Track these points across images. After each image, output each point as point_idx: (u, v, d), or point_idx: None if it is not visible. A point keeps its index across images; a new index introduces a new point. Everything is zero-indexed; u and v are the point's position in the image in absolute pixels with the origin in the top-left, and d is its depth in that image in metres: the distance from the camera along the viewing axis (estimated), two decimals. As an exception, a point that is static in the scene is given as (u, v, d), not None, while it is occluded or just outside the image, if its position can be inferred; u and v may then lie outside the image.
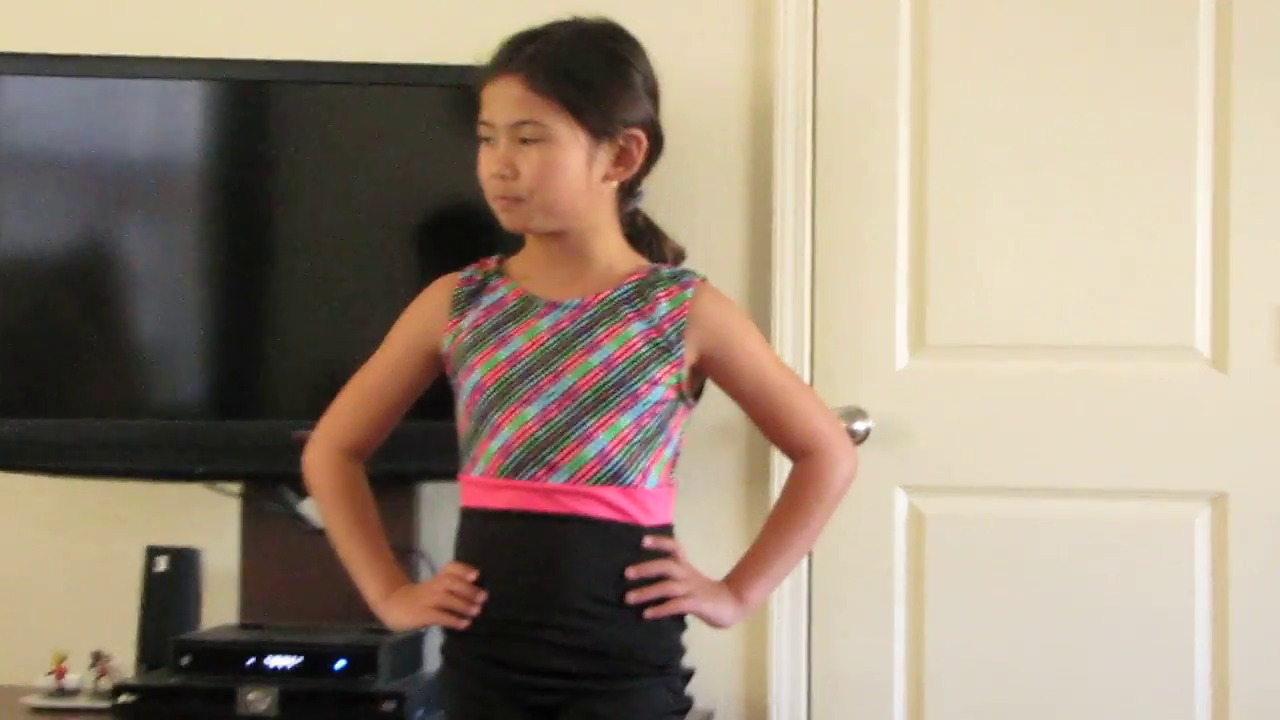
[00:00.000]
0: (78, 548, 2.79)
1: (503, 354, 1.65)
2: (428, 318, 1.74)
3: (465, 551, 1.68)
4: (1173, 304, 2.49)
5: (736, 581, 1.72)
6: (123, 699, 2.30)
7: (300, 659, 2.32)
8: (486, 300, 1.71)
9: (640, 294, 1.67)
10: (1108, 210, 2.53)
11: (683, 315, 1.66)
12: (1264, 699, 2.51)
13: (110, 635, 2.52)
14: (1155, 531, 2.49)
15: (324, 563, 2.27)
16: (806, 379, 2.49)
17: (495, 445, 1.62)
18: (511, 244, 1.81)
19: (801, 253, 2.54)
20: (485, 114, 1.64)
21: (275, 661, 2.32)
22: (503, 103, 1.63)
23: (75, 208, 2.60)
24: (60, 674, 2.45)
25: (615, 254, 1.71)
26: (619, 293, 1.67)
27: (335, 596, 2.37)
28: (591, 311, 1.66)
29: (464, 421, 1.69)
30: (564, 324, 1.64)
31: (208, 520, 2.63)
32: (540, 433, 1.60)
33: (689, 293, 1.66)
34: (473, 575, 1.61)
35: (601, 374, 1.63)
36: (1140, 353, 2.52)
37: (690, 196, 2.51)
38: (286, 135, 2.71)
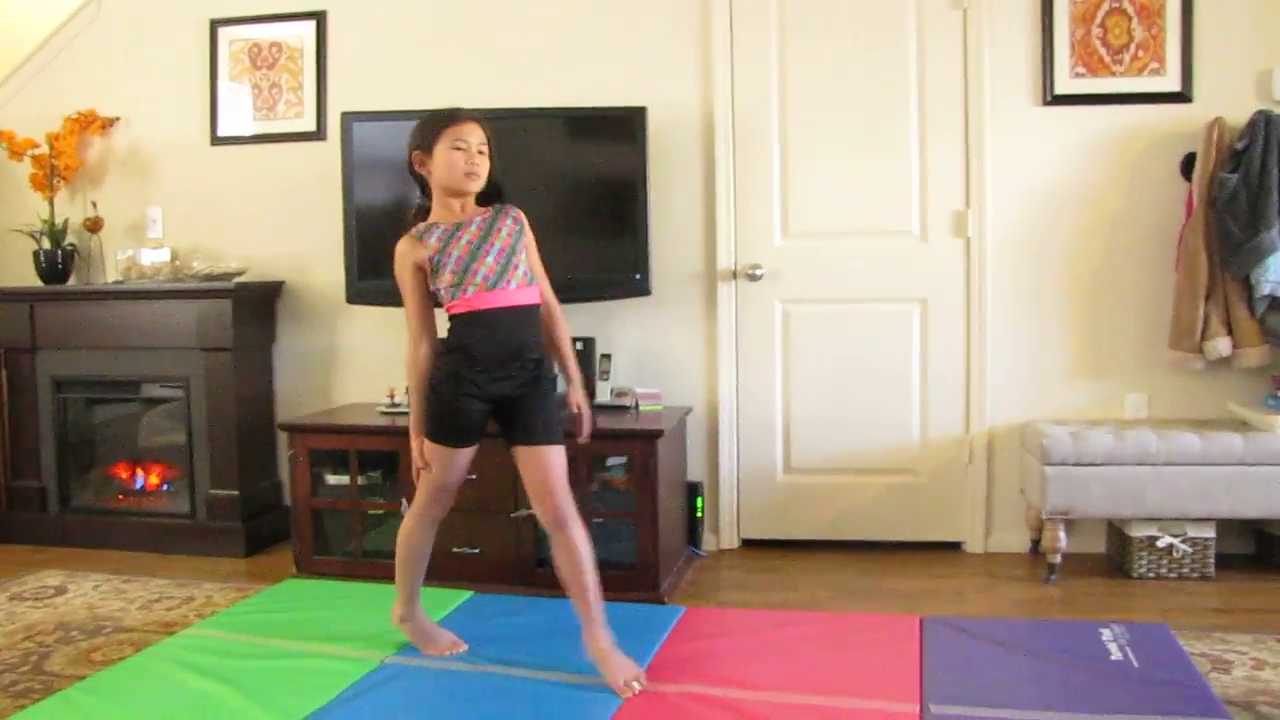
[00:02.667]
0: (390, 339, 4.28)
1: (461, 244, 2.70)
2: (413, 257, 2.72)
3: (469, 332, 2.69)
4: (902, 207, 4.20)
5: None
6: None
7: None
8: (434, 235, 2.71)
9: (498, 216, 2.76)
10: (871, 159, 4.20)
11: (519, 222, 2.78)
12: (944, 409, 4.22)
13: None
14: (894, 317, 4.24)
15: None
16: (733, 257, 4.27)
17: (478, 278, 2.68)
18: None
19: (730, 188, 4.28)
20: (462, 136, 2.69)
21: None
22: (473, 133, 2.72)
23: (390, 182, 4.08)
24: (391, 396, 4.20)
25: (472, 203, 2.79)
26: (489, 216, 2.75)
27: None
28: (484, 225, 2.73)
29: (446, 285, 2.68)
30: (479, 230, 2.72)
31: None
32: (497, 268, 2.70)
33: (516, 212, 2.80)
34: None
35: (507, 243, 2.73)
36: (886, 234, 4.23)
37: (674, 162, 4.26)
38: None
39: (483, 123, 2.77)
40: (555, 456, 2.77)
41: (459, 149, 2.70)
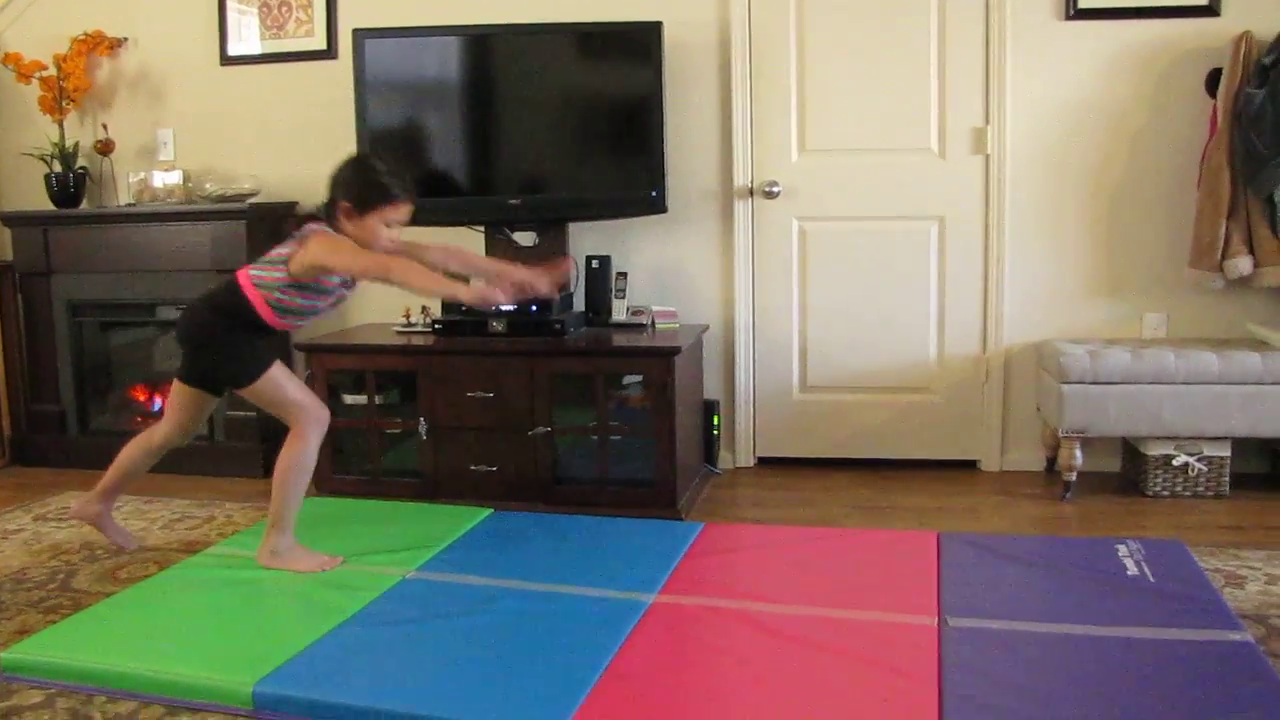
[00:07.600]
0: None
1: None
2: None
3: (286, 314, 3.02)
4: (920, 126, 4.17)
5: None
6: (436, 326, 4.05)
7: (515, 306, 3.89)
8: None
9: None
10: (890, 75, 4.16)
11: None
12: (961, 328, 4.23)
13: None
14: (912, 235, 4.24)
15: (517, 258, 4.04)
16: (749, 173, 4.25)
17: (332, 299, 3.07)
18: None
19: (746, 105, 4.25)
20: (398, 217, 2.94)
21: (504, 307, 3.90)
22: (405, 213, 2.97)
23: (404, 101, 4.16)
24: (407, 316, 4.25)
25: None
26: None
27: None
28: None
29: (332, 282, 2.99)
30: None
31: (471, 243, 4.18)
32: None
33: None
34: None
35: None
36: (904, 151, 4.20)
37: (689, 78, 4.23)
38: (502, 59, 4.17)
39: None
40: None
41: (389, 226, 2.91)
